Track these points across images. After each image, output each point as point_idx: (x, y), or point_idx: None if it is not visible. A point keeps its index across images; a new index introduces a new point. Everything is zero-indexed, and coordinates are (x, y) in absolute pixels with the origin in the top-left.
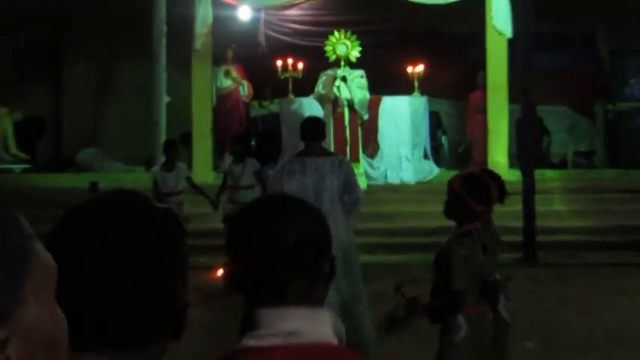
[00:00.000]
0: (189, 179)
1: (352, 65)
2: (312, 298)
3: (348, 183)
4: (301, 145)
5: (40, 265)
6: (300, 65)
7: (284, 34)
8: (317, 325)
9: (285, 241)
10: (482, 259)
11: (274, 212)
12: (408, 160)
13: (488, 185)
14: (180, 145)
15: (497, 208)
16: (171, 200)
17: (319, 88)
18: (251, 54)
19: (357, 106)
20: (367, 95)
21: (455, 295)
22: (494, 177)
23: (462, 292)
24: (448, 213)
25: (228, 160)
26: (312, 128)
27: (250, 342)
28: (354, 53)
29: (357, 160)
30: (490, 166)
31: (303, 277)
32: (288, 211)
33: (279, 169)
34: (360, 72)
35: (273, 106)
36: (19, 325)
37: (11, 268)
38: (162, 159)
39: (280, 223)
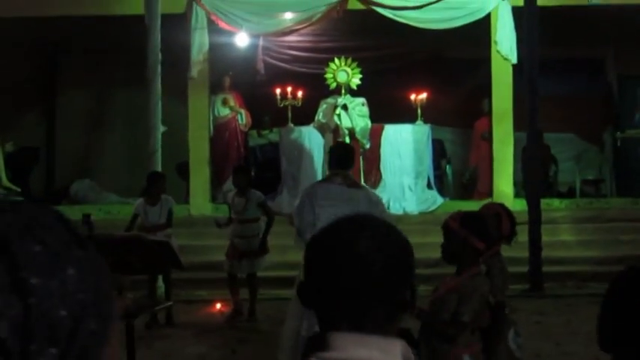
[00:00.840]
0: (170, 213)
1: (353, 93)
2: (389, 327)
3: (382, 216)
4: (299, 175)
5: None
6: (300, 93)
7: (283, 60)
8: (389, 355)
9: (373, 267)
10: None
11: (353, 229)
12: (411, 189)
13: (487, 221)
14: (176, 174)
15: None
16: (158, 235)
17: (319, 116)
18: (249, 82)
19: (358, 135)
20: (369, 123)
21: (458, 327)
22: (504, 212)
23: (466, 326)
24: (448, 256)
25: (227, 189)
26: (342, 155)
27: None
28: (355, 80)
29: None
30: (495, 196)
31: (386, 305)
32: (377, 235)
33: (308, 192)
34: (362, 100)
35: (272, 135)
36: None
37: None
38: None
39: (369, 247)
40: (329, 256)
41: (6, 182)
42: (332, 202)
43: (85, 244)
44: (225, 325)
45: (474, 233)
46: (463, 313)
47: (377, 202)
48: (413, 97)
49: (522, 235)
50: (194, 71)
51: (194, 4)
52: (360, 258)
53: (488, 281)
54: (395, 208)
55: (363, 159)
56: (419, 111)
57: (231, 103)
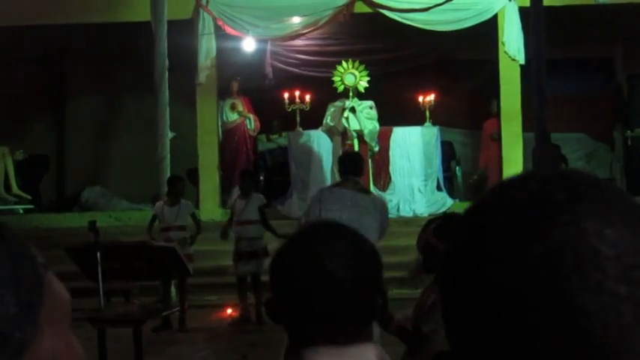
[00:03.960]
0: (193, 216)
1: (361, 96)
2: (363, 334)
3: (382, 225)
4: (309, 179)
5: (54, 296)
6: (308, 97)
7: (291, 65)
8: None
9: (333, 275)
10: None
11: (321, 243)
12: (420, 191)
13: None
14: (188, 181)
15: None
16: (171, 235)
17: (328, 120)
18: (257, 86)
19: (367, 138)
20: (377, 126)
21: (423, 338)
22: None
23: (428, 338)
24: (428, 269)
25: (235, 194)
26: (352, 162)
27: None
28: (363, 83)
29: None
30: None
31: (354, 313)
32: (337, 241)
33: (314, 201)
34: (370, 103)
35: (281, 140)
36: (35, 358)
37: (26, 300)
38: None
39: (328, 254)
40: (297, 277)
41: (16, 190)
42: (340, 206)
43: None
44: (229, 328)
45: (441, 240)
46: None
47: (381, 210)
48: (421, 99)
49: None
50: (202, 77)
51: (201, 10)
52: (331, 278)
53: None
54: (405, 211)
55: (372, 162)
56: (427, 113)
57: (240, 108)
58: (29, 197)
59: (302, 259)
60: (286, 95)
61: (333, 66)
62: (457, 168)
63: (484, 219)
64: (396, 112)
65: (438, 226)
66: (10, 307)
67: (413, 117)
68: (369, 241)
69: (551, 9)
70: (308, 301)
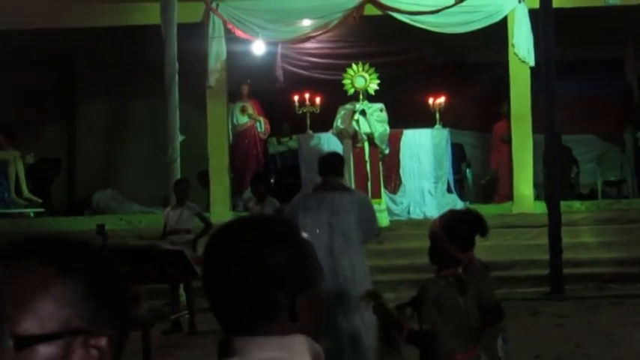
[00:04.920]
0: (200, 216)
1: (371, 98)
2: (291, 324)
3: (366, 220)
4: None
5: None
6: (318, 100)
7: (301, 67)
8: (293, 352)
9: (241, 272)
10: (464, 304)
11: (237, 236)
12: (431, 194)
13: (472, 231)
14: (197, 183)
15: (525, 241)
16: (174, 239)
17: (338, 122)
18: (267, 89)
19: (377, 141)
20: (387, 129)
21: (426, 336)
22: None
23: (430, 333)
24: (431, 258)
25: (248, 197)
26: (329, 162)
27: None
28: (373, 86)
29: (378, 196)
30: (515, 199)
31: (264, 308)
32: (257, 235)
33: (295, 203)
34: (380, 105)
35: (292, 143)
36: None
37: None
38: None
39: (243, 248)
40: (211, 263)
41: (27, 193)
42: (316, 209)
43: None
44: None
45: (455, 243)
46: (423, 322)
47: (361, 203)
48: (431, 101)
49: (543, 238)
50: (212, 80)
51: (211, 13)
52: (235, 260)
53: (443, 285)
54: (415, 213)
55: (382, 164)
56: (437, 115)
57: (250, 111)
58: (40, 200)
59: (223, 251)
60: (296, 98)
61: (343, 68)
62: (467, 170)
63: None
64: (406, 114)
65: (448, 224)
66: None
67: (423, 119)
68: (300, 238)
69: (560, 11)
70: (226, 290)
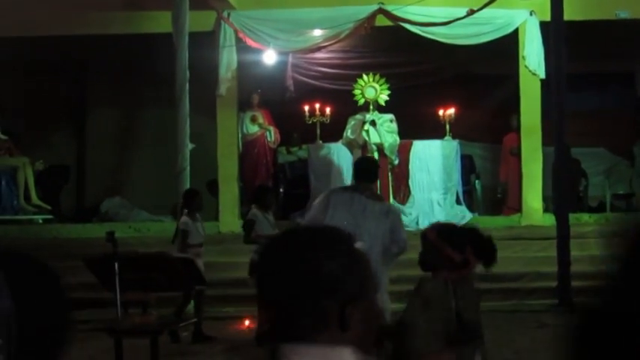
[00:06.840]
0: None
1: (381, 109)
2: (327, 338)
3: (396, 232)
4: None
5: None
6: (328, 110)
7: (312, 77)
8: None
9: (292, 279)
10: (454, 307)
11: (287, 246)
12: (439, 205)
13: (464, 230)
14: (207, 192)
15: (533, 254)
16: (200, 251)
17: (348, 133)
18: (277, 99)
19: (386, 151)
20: (397, 139)
21: (402, 328)
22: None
23: (406, 327)
24: (423, 264)
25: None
26: (365, 168)
27: None
28: (383, 97)
29: None
30: (524, 211)
31: (312, 317)
32: (312, 244)
33: (322, 199)
34: (390, 116)
35: (301, 152)
36: None
37: None
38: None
39: (289, 258)
40: (261, 275)
41: (36, 200)
42: (346, 208)
43: None
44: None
45: (450, 245)
46: (405, 315)
47: (391, 212)
48: (441, 112)
49: (551, 250)
50: (222, 89)
51: (222, 22)
52: (283, 271)
53: (440, 284)
54: (424, 224)
55: (391, 175)
56: (447, 126)
57: (260, 120)
58: (49, 207)
59: (287, 259)
60: (307, 108)
61: (353, 79)
62: (477, 182)
63: None
64: (416, 125)
65: (443, 227)
66: None
67: (433, 130)
68: (352, 249)
69: (571, 23)
70: (270, 300)
